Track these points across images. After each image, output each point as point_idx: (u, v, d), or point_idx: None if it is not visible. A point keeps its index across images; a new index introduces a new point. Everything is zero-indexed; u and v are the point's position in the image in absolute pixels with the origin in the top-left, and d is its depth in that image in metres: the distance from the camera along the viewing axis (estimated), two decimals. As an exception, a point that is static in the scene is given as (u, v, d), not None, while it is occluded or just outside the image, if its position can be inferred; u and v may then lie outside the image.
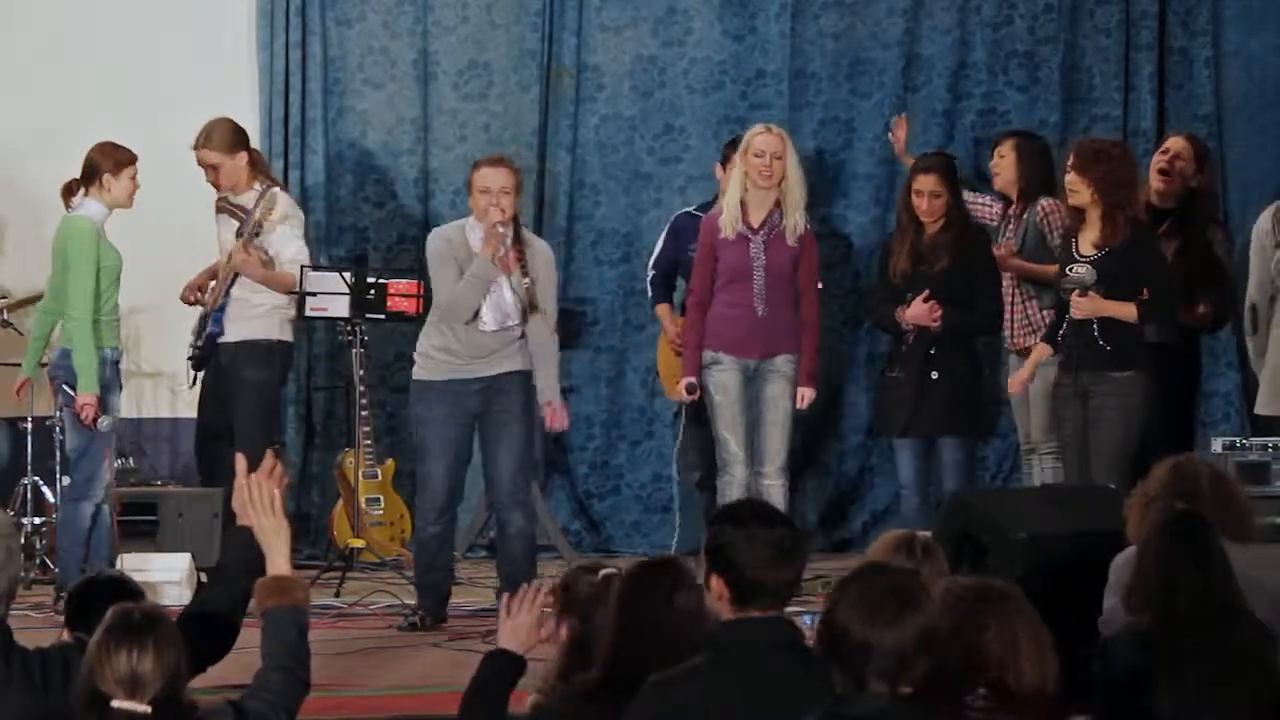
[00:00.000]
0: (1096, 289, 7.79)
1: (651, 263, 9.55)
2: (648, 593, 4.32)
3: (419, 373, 7.95)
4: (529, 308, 7.83)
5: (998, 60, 10.36)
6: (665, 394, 9.79)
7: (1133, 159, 8.13)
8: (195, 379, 9.15)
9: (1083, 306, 7.82)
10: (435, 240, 7.98)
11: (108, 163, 8.28)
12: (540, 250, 8.02)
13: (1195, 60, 10.33)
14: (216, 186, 8.96)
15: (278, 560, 4.50)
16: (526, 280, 7.79)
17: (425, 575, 7.97)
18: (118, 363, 8.34)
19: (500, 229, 7.71)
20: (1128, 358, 7.80)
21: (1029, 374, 8.24)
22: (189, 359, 9.11)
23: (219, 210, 9.03)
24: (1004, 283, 8.71)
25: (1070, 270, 7.89)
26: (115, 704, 3.84)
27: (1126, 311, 7.80)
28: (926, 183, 8.61)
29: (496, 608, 8.04)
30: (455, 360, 7.83)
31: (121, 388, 8.43)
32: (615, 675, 4.27)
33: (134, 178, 8.31)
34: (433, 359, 7.89)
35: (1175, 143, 8.74)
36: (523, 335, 7.90)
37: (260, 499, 4.55)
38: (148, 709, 3.85)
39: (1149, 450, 7.79)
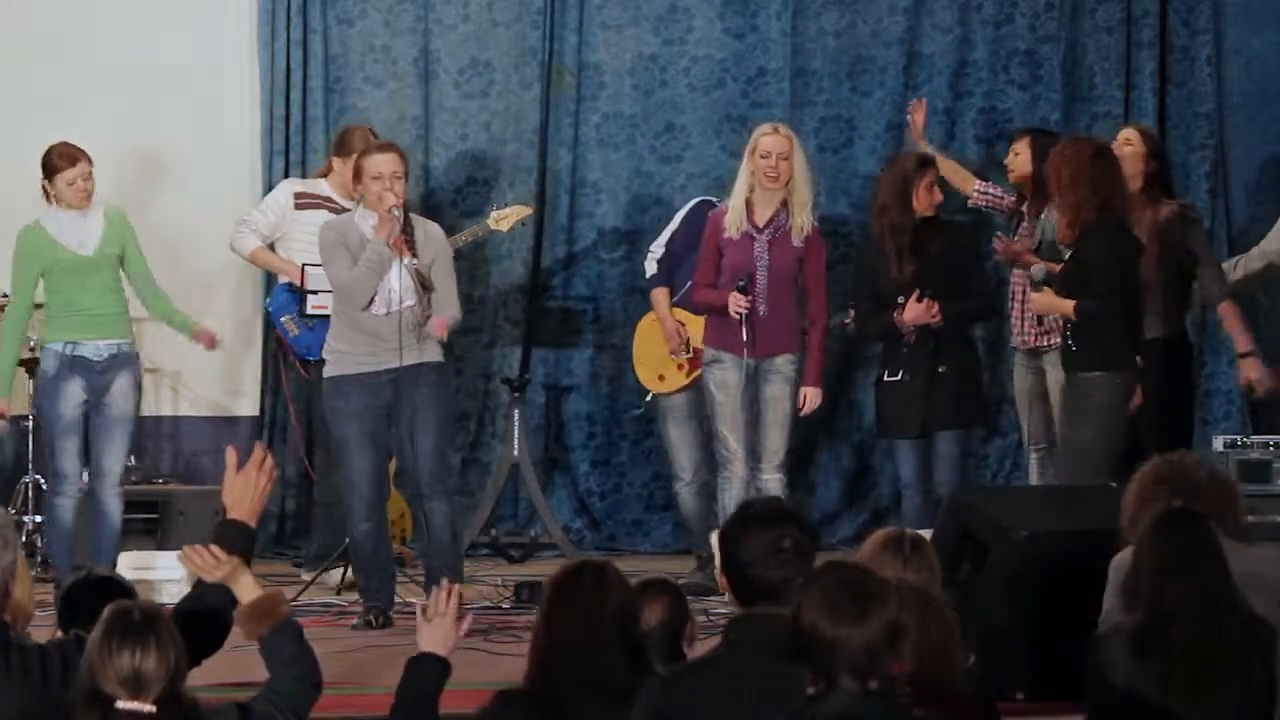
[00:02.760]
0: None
1: (663, 241, 9.25)
2: (576, 599, 4.26)
3: (330, 369, 7.95)
4: (423, 287, 7.81)
5: (999, 58, 10.36)
6: (641, 381, 9.66)
7: (1087, 155, 7.92)
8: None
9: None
10: (325, 231, 8.02)
11: (47, 169, 8.31)
12: (433, 233, 8.03)
13: (1196, 58, 10.33)
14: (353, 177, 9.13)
15: (246, 588, 4.46)
16: (414, 261, 7.80)
17: (370, 577, 7.94)
18: (78, 356, 8.31)
19: (395, 213, 7.74)
20: (1094, 359, 7.70)
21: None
22: (309, 357, 9.12)
23: (323, 209, 9.10)
24: (1013, 280, 8.70)
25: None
26: (120, 705, 3.84)
27: (1065, 309, 7.74)
28: (935, 174, 8.57)
29: (494, 606, 8.12)
30: (363, 352, 7.83)
31: (97, 382, 8.37)
32: (544, 684, 4.23)
33: (71, 183, 8.26)
34: (342, 354, 7.89)
35: (1125, 133, 8.72)
36: (427, 319, 7.85)
37: (204, 563, 4.49)
38: (153, 709, 3.85)
39: (1144, 448, 7.81)
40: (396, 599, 8.12)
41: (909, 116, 9.46)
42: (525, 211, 9.43)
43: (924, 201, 8.48)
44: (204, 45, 10.23)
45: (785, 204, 8.39)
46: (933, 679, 4.18)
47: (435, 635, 4.55)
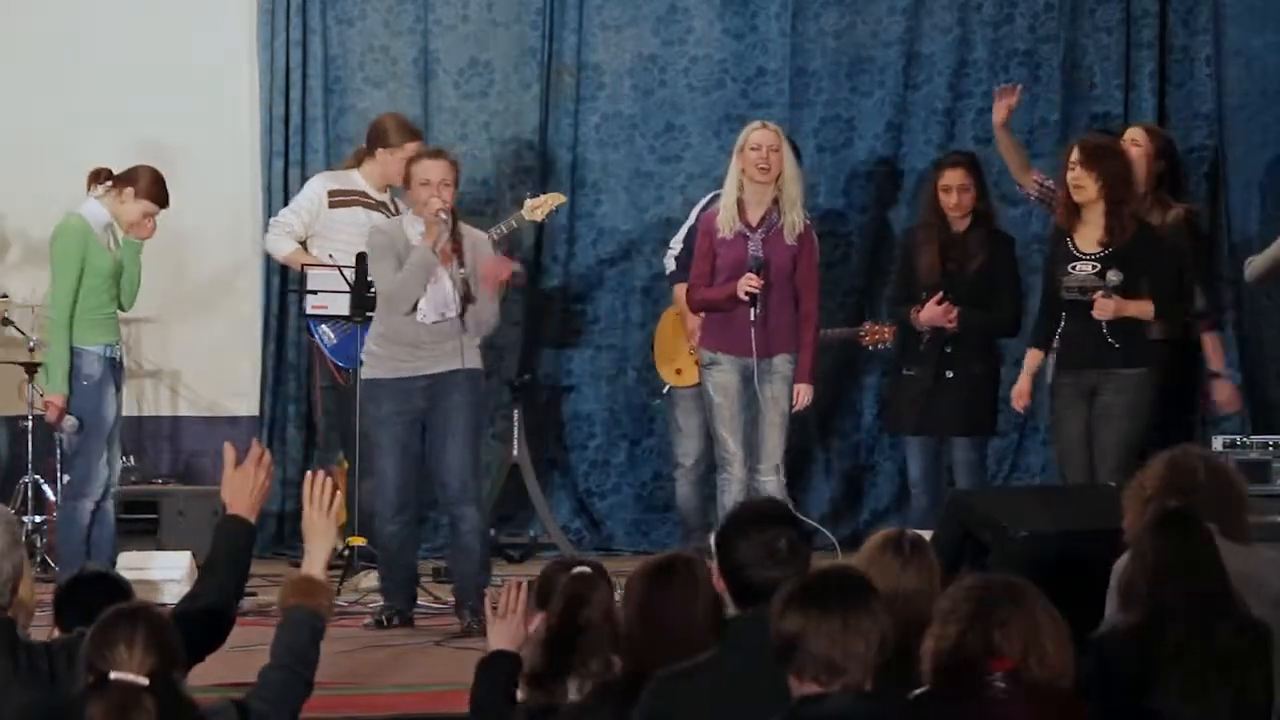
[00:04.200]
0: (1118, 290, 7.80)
1: (680, 237, 9.31)
2: (671, 592, 4.32)
3: (367, 371, 7.96)
4: (466, 298, 7.81)
5: (998, 59, 10.36)
6: (660, 375, 9.71)
7: (1129, 156, 8.10)
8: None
9: (1108, 308, 7.79)
10: (373, 234, 8.00)
11: (139, 186, 8.22)
12: (479, 241, 7.99)
13: (1196, 58, 10.32)
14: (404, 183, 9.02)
15: (316, 561, 4.54)
16: (463, 270, 7.78)
17: (390, 577, 7.96)
18: (114, 359, 8.31)
19: (442, 217, 7.72)
20: (1135, 355, 7.83)
21: (1029, 384, 8.19)
22: (347, 365, 9.07)
23: (357, 205, 9.07)
24: None
25: (1073, 268, 7.88)
26: (114, 675, 3.85)
27: (1144, 310, 7.81)
28: (955, 177, 8.63)
29: (494, 607, 8.11)
30: (400, 357, 7.82)
31: (120, 385, 8.38)
32: (638, 677, 4.25)
33: (147, 216, 8.21)
34: (379, 357, 7.88)
35: (1132, 132, 8.72)
36: (465, 329, 7.84)
37: (322, 498, 4.58)
38: (145, 680, 3.86)
39: (1150, 448, 7.80)
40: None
41: (996, 98, 9.24)
42: (559, 200, 9.41)
43: (945, 202, 8.58)
44: (204, 45, 10.23)
45: (776, 202, 8.40)
46: (1038, 677, 4.13)
47: (505, 632, 4.60)
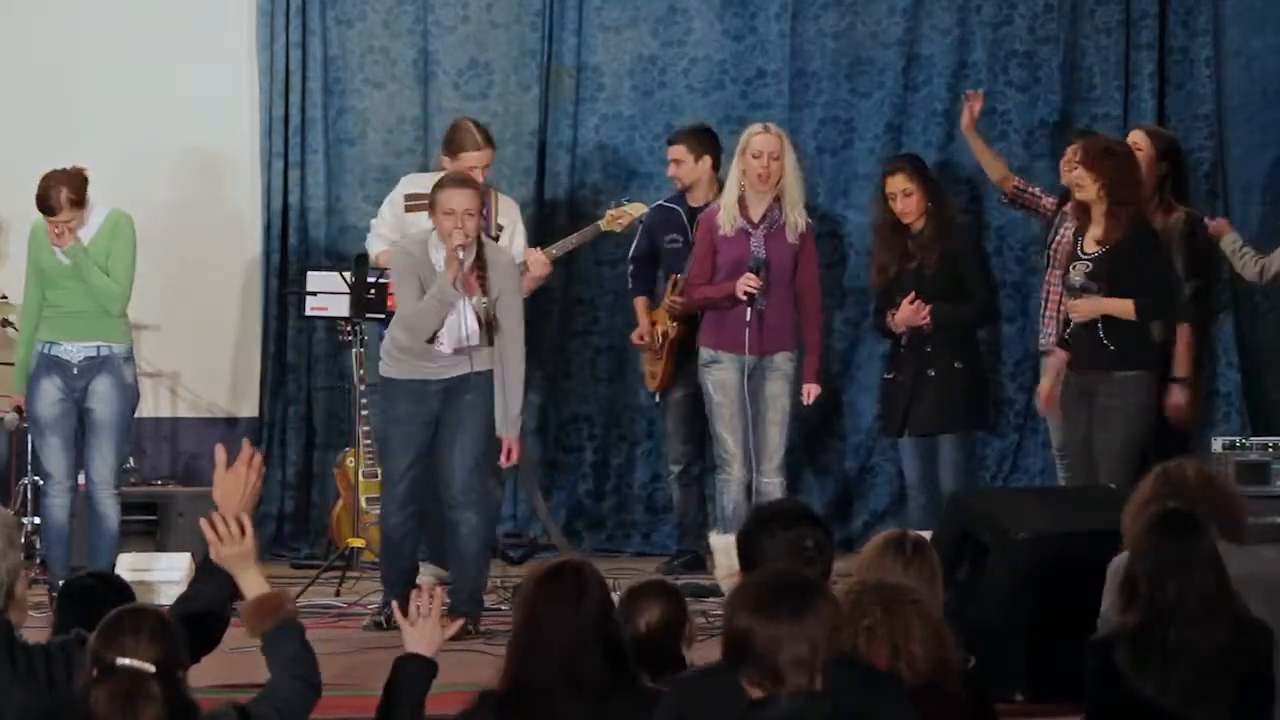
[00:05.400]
0: (1099, 289, 7.75)
1: (630, 255, 9.54)
2: (556, 599, 4.23)
3: (384, 369, 7.85)
4: (490, 326, 7.67)
5: (998, 60, 10.36)
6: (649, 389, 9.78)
7: (1135, 157, 8.10)
8: None
9: (1081, 308, 7.78)
10: (398, 254, 7.85)
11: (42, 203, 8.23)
12: (504, 265, 7.81)
13: (1196, 60, 10.32)
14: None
15: (252, 583, 4.48)
16: (485, 300, 7.63)
17: (392, 568, 7.85)
18: (58, 357, 8.28)
19: (460, 255, 7.55)
20: (1132, 357, 7.74)
21: (1051, 384, 8.13)
22: None
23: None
24: (1047, 283, 8.70)
25: (1072, 269, 7.90)
26: (121, 661, 3.85)
27: (1124, 308, 7.74)
28: (896, 183, 8.75)
29: (497, 608, 8.12)
30: (418, 361, 7.76)
31: (74, 383, 8.31)
32: (522, 684, 4.20)
33: (50, 223, 8.19)
34: (397, 357, 7.80)
35: (1133, 135, 8.74)
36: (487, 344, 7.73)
37: (229, 533, 4.51)
38: (153, 668, 3.86)
39: (1148, 451, 7.80)
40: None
41: (965, 105, 9.40)
42: (641, 209, 9.35)
43: (894, 208, 8.74)
44: (204, 46, 10.23)
45: (778, 200, 8.42)
46: (926, 680, 4.17)
47: (420, 636, 4.57)
